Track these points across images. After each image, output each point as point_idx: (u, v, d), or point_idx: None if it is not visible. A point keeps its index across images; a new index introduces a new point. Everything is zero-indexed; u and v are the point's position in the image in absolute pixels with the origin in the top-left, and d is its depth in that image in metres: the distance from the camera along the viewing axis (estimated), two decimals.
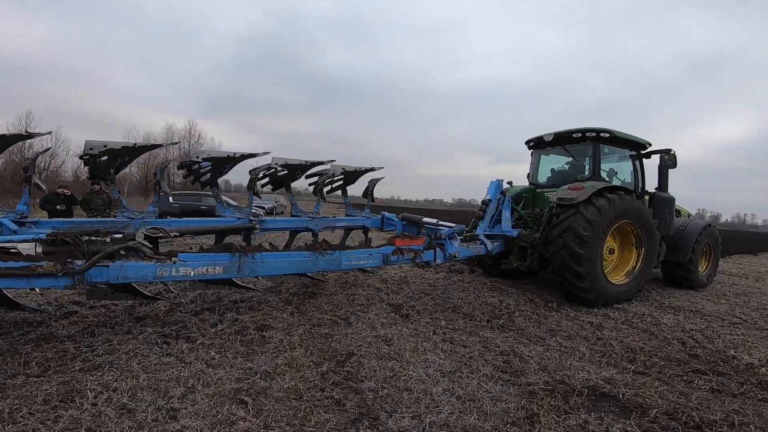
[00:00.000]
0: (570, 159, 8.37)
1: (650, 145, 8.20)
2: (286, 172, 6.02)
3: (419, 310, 5.80)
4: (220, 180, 5.75)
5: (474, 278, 8.69)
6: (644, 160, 8.30)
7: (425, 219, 6.79)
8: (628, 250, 7.38)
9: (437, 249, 6.04)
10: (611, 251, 7.18)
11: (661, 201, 8.02)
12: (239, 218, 5.65)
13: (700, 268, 8.78)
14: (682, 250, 8.19)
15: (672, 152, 8.00)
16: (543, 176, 9.03)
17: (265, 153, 5.42)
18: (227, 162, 5.31)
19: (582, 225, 6.50)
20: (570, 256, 6.54)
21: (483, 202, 7.56)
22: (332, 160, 6.29)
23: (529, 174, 9.23)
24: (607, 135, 7.55)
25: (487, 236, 7.23)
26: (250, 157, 5.32)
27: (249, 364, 3.60)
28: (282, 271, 4.78)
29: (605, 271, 7.05)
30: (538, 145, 8.75)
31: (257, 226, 5.71)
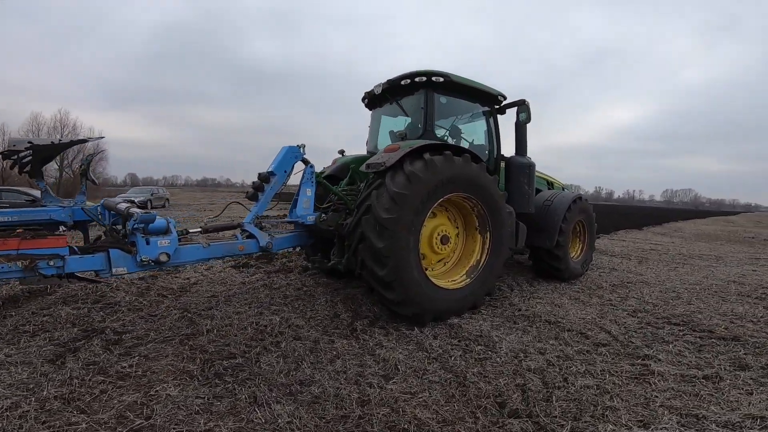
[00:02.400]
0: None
1: (504, 97, 5.94)
2: (31, 155, 4.57)
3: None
4: None
5: (291, 280, 6.02)
6: (517, 121, 6.12)
7: (119, 204, 3.93)
8: (472, 236, 5.05)
9: (116, 253, 3.27)
10: (444, 240, 4.77)
11: (518, 168, 5.82)
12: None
13: (572, 254, 6.82)
14: (547, 233, 6.10)
15: (526, 103, 5.82)
16: (383, 142, 6.46)
17: (100, 138, 5.44)
18: (52, 149, 4.81)
19: (384, 204, 4.00)
20: (369, 253, 4.06)
21: (260, 176, 4.81)
22: (101, 137, 5.59)
23: (367, 140, 6.65)
24: (441, 80, 5.12)
25: (261, 224, 4.58)
26: (79, 143, 5.23)
27: None
28: None
29: (431, 272, 4.65)
30: (372, 102, 6.19)
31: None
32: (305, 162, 5.04)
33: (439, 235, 4.71)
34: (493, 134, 5.99)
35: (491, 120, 6.00)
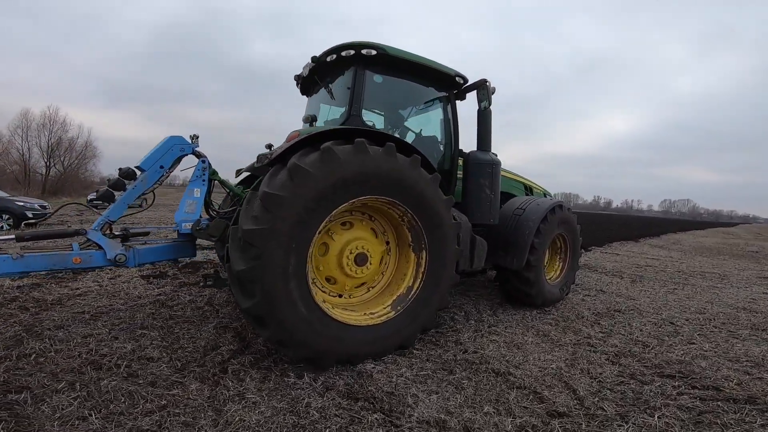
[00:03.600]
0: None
1: (464, 79, 4.68)
2: None
3: None
4: None
5: (199, 296, 4.79)
6: (479, 109, 4.75)
7: None
8: (406, 255, 3.77)
9: None
10: (360, 259, 3.52)
11: (477, 166, 4.54)
12: None
13: (549, 275, 5.53)
14: (515, 250, 4.80)
15: (486, 84, 4.55)
16: None
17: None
18: None
19: (252, 210, 2.78)
20: (231, 278, 2.83)
21: (120, 171, 3.60)
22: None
23: None
24: (374, 53, 3.92)
25: (111, 230, 3.38)
26: None
27: None
28: None
29: (340, 301, 3.42)
30: (305, 86, 4.99)
31: None
32: (197, 155, 3.91)
33: (352, 252, 3.44)
34: (450, 125, 4.73)
35: (448, 107, 4.75)
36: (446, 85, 4.65)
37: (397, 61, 4.12)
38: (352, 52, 3.93)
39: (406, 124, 4.72)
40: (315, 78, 4.53)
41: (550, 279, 5.45)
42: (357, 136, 3.18)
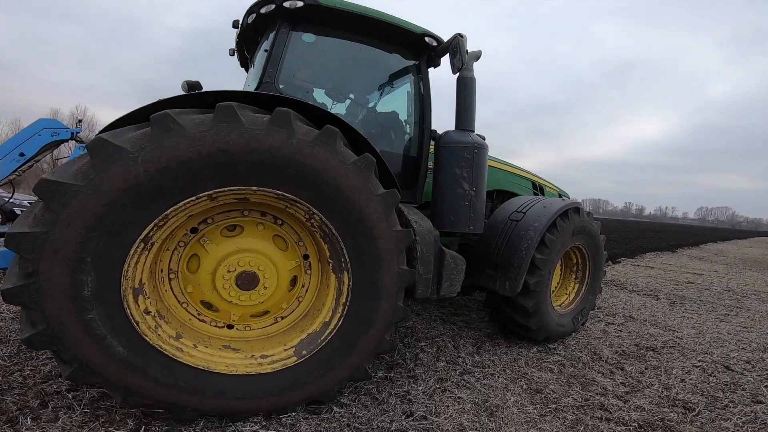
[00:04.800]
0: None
1: (437, 40, 3.38)
2: None
3: None
4: None
5: None
6: (458, 78, 3.36)
7: None
8: (326, 277, 2.50)
9: None
10: (245, 280, 2.32)
11: (451, 152, 3.21)
12: None
13: (559, 301, 4.09)
14: (507, 269, 3.41)
15: (458, 38, 3.15)
16: None
17: None
18: None
19: (34, 210, 1.61)
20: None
21: None
22: None
23: None
24: (300, 4, 2.86)
25: None
26: None
27: None
28: None
29: (201, 339, 2.23)
30: (241, 59, 3.94)
31: None
32: (79, 141, 2.91)
33: (231, 271, 2.25)
34: (419, 99, 3.44)
35: (417, 77, 3.47)
36: (412, 48, 3.40)
37: (337, 15, 2.95)
38: (273, 6, 2.85)
39: (354, 98, 3.47)
40: (244, 47, 3.51)
41: (559, 305, 4.02)
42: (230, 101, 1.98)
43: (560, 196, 5.37)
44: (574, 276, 4.17)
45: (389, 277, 2.35)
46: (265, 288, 2.38)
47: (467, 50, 3.16)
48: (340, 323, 2.34)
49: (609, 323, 4.90)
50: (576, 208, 3.73)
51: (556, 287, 4.15)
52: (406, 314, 2.55)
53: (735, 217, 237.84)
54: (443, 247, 2.89)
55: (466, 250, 3.64)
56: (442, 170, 3.18)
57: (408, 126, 3.48)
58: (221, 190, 1.99)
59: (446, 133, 3.28)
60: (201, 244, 2.34)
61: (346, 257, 2.26)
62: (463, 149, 3.12)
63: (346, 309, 2.33)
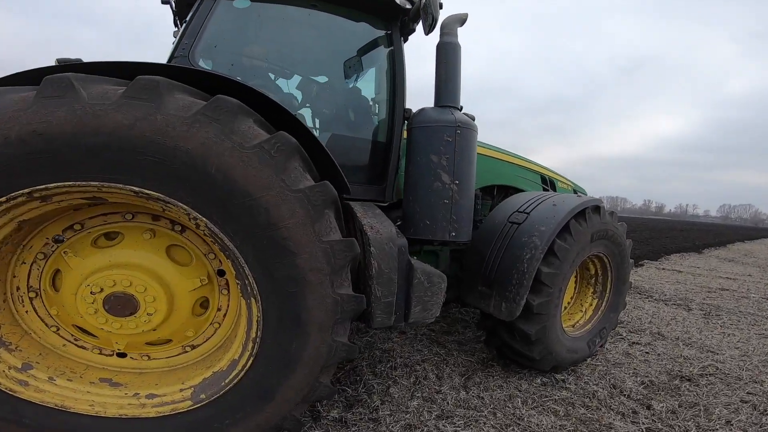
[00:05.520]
0: None
1: (411, 3, 2.62)
2: None
3: None
4: None
5: None
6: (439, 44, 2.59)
7: None
8: (239, 306, 1.78)
9: None
10: (118, 307, 1.64)
11: (424, 134, 2.44)
12: None
13: (573, 321, 3.28)
14: (504, 286, 2.61)
15: None
16: None
17: None
18: None
19: None
20: None
21: None
22: None
23: None
24: None
25: None
26: None
27: None
28: None
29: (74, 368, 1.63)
30: None
31: None
32: None
33: (96, 292, 1.62)
34: (391, 73, 2.69)
35: (388, 48, 2.72)
36: (380, 12, 2.66)
37: None
38: None
39: (304, 73, 2.74)
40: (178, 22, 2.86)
41: (572, 326, 3.22)
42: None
43: (575, 193, 4.53)
44: (592, 290, 3.35)
45: (319, 305, 1.61)
46: (149, 314, 1.69)
47: (440, 3, 2.40)
48: (250, 363, 1.64)
49: (633, 343, 4.05)
50: (596, 207, 2.90)
51: (569, 303, 3.35)
52: (351, 353, 1.81)
53: (758, 215, 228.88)
54: (413, 261, 2.13)
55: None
56: (415, 158, 2.42)
57: (376, 106, 2.73)
58: (45, 187, 1.32)
59: (421, 110, 2.51)
60: (63, 257, 1.67)
61: (250, 279, 1.53)
62: (442, 130, 2.35)
63: (257, 347, 1.61)
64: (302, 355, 1.67)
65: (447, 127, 2.33)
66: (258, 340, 1.61)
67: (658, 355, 3.79)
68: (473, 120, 2.52)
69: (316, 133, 2.26)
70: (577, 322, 3.31)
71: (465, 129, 2.37)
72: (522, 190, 3.72)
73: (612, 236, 3.02)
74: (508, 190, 3.77)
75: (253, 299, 1.58)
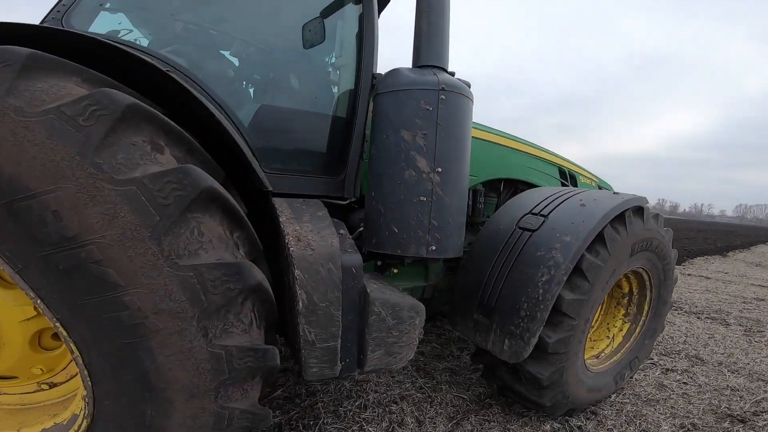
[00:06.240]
0: None
1: None
2: None
3: None
4: None
5: None
6: None
7: None
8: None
9: None
10: None
11: (393, 103, 1.69)
12: None
13: (597, 350, 2.54)
14: (511, 317, 1.88)
15: None
16: None
17: None
18: None
19: None
20: None
21: None
22: None
23: None
24: None
25: None
26: None
27: None
28: None
29: None
30: None
31: None
32: None
33: None
34: (355, 34, 1.96)
35: (354, 11, 1.99)
36: None
37: None
38: None
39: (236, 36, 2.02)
40: None
41: (596, 356, 2.49)
42: None
43: (598, 186, 3.76)
44: (623, 311, 2.60)
45: (181, 364, 0.95)
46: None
47: None
48: (85, 425, 1.08)
49: (667, 370, 3.30)
50: (638, 208, 2.15)
51: (593, 328, 2.61)
52: (259, 421, 1.13)
53: None
54: (371, 288, 1.43)
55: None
56: (379, 136, 1.70)
57: (336, 73, 2.01)
58: None
59: (393, 71, 1.78)
60: None
61: (55, 321, 0.87)
62: (419, 95, 1.62)
63: (90, 407, 0.97)
64: (166, 426, 1.01)
65: (426, 91, 1.61)
66: (89, 399, 0.95)
67: (699, 386, 3.04)
68: (469, 87, 1.79)
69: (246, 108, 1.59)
70: (603, 351, 2.58)
71: (452, 94, 1.64)
72: (534, 185, 2.98)
73: (657, 247, 2.26)
74: (518, 186, 3.04)
75: (73, 345, 0.91)
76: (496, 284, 1.89)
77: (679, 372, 3.29)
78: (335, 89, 2.00)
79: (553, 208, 2.07)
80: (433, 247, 1.63)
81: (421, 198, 1.61)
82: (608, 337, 2.63)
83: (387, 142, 1.66)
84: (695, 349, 3.82)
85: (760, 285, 7.84)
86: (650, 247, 2.20)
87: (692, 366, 3.43)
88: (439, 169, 1.63)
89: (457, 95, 1.68)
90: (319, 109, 1.95)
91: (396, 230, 1.62)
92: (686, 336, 4.22)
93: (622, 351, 2.58)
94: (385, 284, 1.56)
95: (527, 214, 2.11)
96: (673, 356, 3.62)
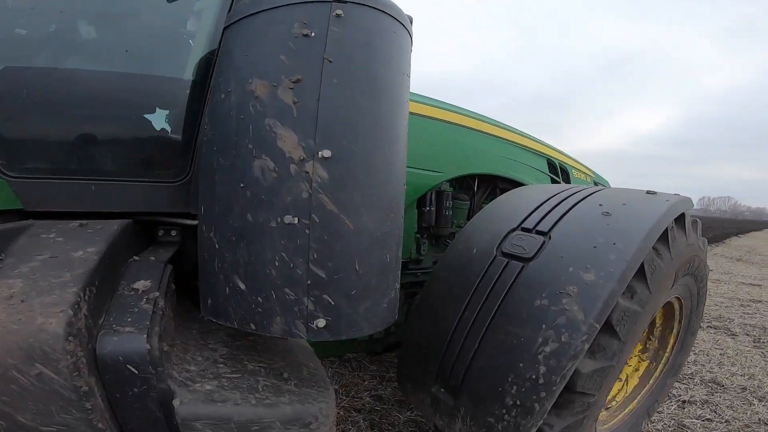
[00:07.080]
0: None
1: None
2: None
3: None
4: None
5: None
6: None
7: None
8: None
9: None
10: None
11: (243, 38, 0.89)
12: None
13: (607, 405, 1.88)
14: (491, 404, 1.14)
15: None
16: None
17: None
18: None
19: None
20: None
21: None
22: None
23: None
24: None
25: None
26: None
27: None
28: None
29: None
30: None
31: None
32: None
33: None
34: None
35: None
36: None
37: None
38: None
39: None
40: None
41: (605, 409, 1.83)
42: None
43: (595, 184, 3.15)
44: (640, 346, 1.93)
45: None
46: None
47: None
48: None
49: (684, 402, 2.69)
50: (681, 216, 1.44)
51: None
52: None
53: (737, 207, 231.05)
54: (186, 393, 0.70)
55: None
56: (217, 95, 0.93)
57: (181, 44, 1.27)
58: None
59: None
60: None
61: None
62: (291, 14, 0.86)
63: None
64: None
65: (305, 5, 0.86)
66: None
67: (727, 422, 2.44)
68: (411, 22, 1.08)
69: None
70: (614, 398, 1.91)
71: (361, 9, 0.89)
72: (519, 184, 2.31)
73: (697, 268, 1.59)
74: (497, 183, 2.37)
75: None
76: (466, 348, 1.15)
77: (698, 404, 2.67)
78: (164, 46, 1.20)
79: (557, 220, 1.33)
80: (321, 322, 0.82)
81: (288, 218, 0.81)
82: (620, 379, 1.96)
83: (223, 107, 0.88)
84: (710, 371, 3.22)
85: (750, 284, 7.43)
86: (692, 270, 1.53)
87: (712, 394, 2.83)
88: (326, 153, 0.82)
89: (372, 13, 0.90)
90: (132, 67, 1.13)
91: (242, 286, 0.82)
92: (695, 353, 3.63)
93: (638, 397, 1.92)
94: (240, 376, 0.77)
95: (515, 230, 1.37)
96: (687, 382, 3.01)
